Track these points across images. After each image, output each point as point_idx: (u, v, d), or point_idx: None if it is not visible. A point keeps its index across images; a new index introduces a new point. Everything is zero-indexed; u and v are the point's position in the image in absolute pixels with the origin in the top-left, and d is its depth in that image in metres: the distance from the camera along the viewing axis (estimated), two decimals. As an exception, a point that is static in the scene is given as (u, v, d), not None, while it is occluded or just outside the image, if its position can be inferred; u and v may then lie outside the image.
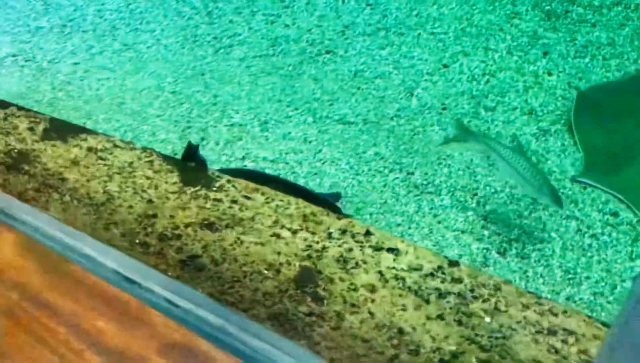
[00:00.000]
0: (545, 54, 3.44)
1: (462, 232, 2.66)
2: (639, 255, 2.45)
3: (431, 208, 2.76)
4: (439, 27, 3.75)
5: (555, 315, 1.62)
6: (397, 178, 2.90)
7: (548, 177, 2.60)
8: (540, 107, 3.15)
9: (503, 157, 2.49)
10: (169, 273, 1.62)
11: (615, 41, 3.45)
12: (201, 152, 3.04)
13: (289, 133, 3.11)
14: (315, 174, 2.91)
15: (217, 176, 1.74)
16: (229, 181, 1.70)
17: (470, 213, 2.72)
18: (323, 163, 2.97)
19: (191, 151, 1.72)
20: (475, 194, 2.80)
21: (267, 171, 2.90)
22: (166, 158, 1.77)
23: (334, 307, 1.59)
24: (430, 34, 3.71)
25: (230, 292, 1.61)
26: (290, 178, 2.88)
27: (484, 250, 2.57)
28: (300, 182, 2.86)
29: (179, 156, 2.88)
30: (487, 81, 3.33)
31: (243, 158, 2.95)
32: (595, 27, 3.56)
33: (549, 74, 3.32)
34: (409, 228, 2.70)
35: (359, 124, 3.19)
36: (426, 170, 2.92)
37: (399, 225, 2.72)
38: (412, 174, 2.91)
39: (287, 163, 2.94)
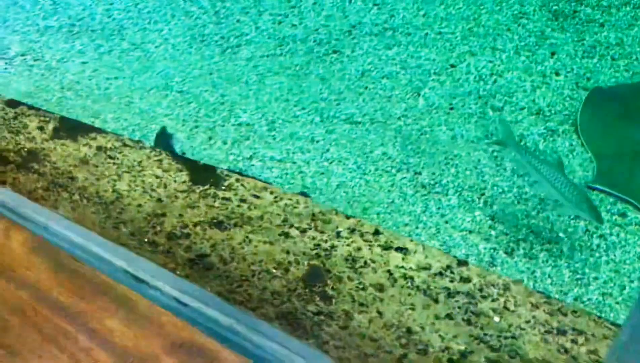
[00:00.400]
0: (552, 54, 3.43)
1: (470, 231, 2.65)
2: (648, 256, 2.43)
3: (438, 208, 2.75)
4: (446, 27, 3.74)
5: (565, 314, 1.61)
6: (404, 178, 2.89)
7: (587, 193, 2.56)
8: (547, 107, 3.13)
9: (541, 172, 2.46)
10: (178, 272, 1.62)
11: (623, 41, 3.43)
12: (209, 151, 3.06)
13: (296, 132, 3.11)
14: (323, 173, 2.91)
15: (226, 175, 1.74)
16: (237, 180, 1.69)
17: (477, 213, 2.71)
18: (330, 162, 2.96)
19: (163, 137, 1.72)
20: (483, 194, 2.79)
21: (274, 170, 2.90)
22: (175, 157, 1.77)
23: (343, 306, 1.59)
24: (437, 34, 3.70)
25: (239, 291, 1.61)
26: (298, 178, 2.87)
27: (492, 250, 2.56)
28: (307, 181, 2.86)
29: (187, 156, 2.89)
30: (495, 81, 3.32)
31: (250, 157, 2.94)
32: (604, 27, 3.53)
33: (557, 74, 3.31)
34: (416, 228, 2.69)
35: (366, 123, 3.19)
36: (433, 170, 2.91)
37: (406, 225, 2.71)
38: (420, 173, 2.90)
39: (294, 162, 2.94)
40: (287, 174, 2.87)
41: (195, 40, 3.75)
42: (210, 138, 3.06)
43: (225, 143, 3.03)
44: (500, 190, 2.79)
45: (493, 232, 2.62)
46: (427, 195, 2.81)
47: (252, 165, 2.89)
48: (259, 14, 3.94)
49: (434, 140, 3.06)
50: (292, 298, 1.60)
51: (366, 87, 3.39)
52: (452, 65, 3.47)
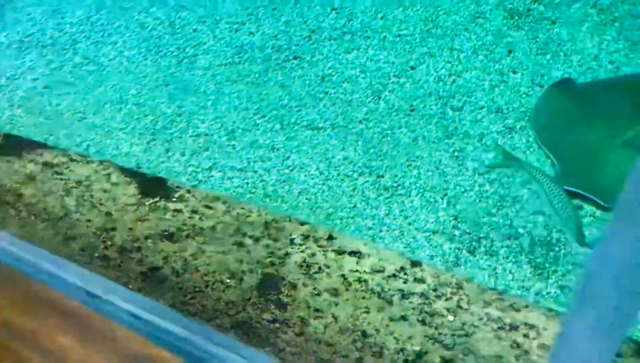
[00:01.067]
0: (509, 52, 3.51)
1: (434, 232, 2.69)
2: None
3: (402, 211, 2.79)
4: (405, 29, 3.80)
5: (518, 310, 1.66)
6: (367, 181, 2.92)
7: (578, 212, 2.63)
8: (506, 105, 3.21)
9: (541, 184, 2.55)
10: (131, 286, 1.64)
11: (575, 37, 3.53)
12: (166, 163, 3.06)
13: (257, 141, 3.13)
14: (284, 181, 2.93)
15: (177, 186, 1.76)
16: (188, 191, 1.72)
17: (441, 213, 2.76)
18: (292, 170, 2.99)
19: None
20: (445, 194, 2.84)
21: (235, 180, 2.91)
22: (124, 170, 1.79)
23: (298, 313, 1.62)
24: (396, 36, 3.75)
25: (193, 302, 1.63)
26: (259, 186, 2.89)
27: (456, 250, 2.61)
28: (269, 190, 2.88)
29: (143, 170, 2.89)
30: (454, 81, 3.39)
31: (210, 168, 2.96)
32: (556, 24, 3.64)
33: (514, 72, 3.39)
34: (380, 231, 2.72)
35: (328, 128, 3.22)
36: (396, 172, 2.95)
37: (369, 228, 2.74)
38: (382, 176, 2.94)
39: (255, 171, 2.96)
40: (247, 183, 2.89)
41: (151, 51, 3.76)
42: (167, 150, 3.07)
43: (183, 155, 3.04)
44: (462, 189, 2.85)
45: (457, 232, 2.67)
46: (390, 197, 2.85)
47: (212, 176, 2.91)
48: (215, 23, 3.96)
49: (396, 142, 3.11)
50: (247, 307, 1.62)
51: (327, 92, 3.43)
52: (412, 67, 3.53)
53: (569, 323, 1.08)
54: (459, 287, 1.67)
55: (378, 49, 3.67)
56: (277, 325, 1.61)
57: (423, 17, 3.86)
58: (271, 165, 2.99)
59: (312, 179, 2.93)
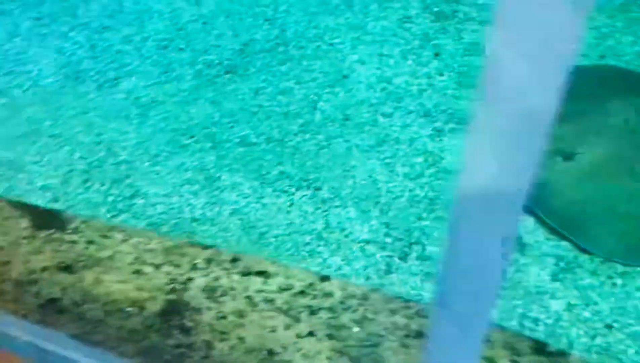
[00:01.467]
0: (436, 55, 3.62)
1: (367, 242, 2.75)
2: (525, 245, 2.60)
3: (339, 223, 2.85)
4: (337, 37, 3.88)
5: (425, 317, 1.73)
6: (304, 195, 2.97)
7: None
8: (434, 108, 3.30)
9: None
10: (30, 319, 1.67)
11: (499, 36, 3.66)
12: (85, 194, 3.07)
13: (184, 163, 3.16)
14: (214, 203, 2.96)
15: (71, 218, 1.80)
16: (83, 222, 1.75)
17: (374, 222, 2.83)
18: (222, 191, 3.02)
19: None
20: (378, 202, 2.90)
21: (159, 206, 2.94)
22: (14, 204, 1.82)
23: (203, 337, 1.66)
24: (329, 45, 3.84)
25: (96, 332, 1.67)
26: (186, 211, 2.92)
27: (387, 258, 2.67)
28: (197, 213, 2.91)
29: (60, 204, 2.89)
30: (384, 88, 3.48)
31: (131, 196, 2.98)
32: (481, 24, 3.76)
33: (441, 75, 3.49)
34: (318, 246, 2.77)
35: (262, 143, 3.26)
36: (333, 184, 3.02)
37: (307, 244, 2.79)
38: (319, 189, 3.00)
39: (181, 196, 2.98)
40: (173, 208, 2.92)
41: (69, 78, 3.76)
42: (86, 181, 3.08)
43: (103, 184, 3.05)
44: (393, 195, 2.92)
45: (389, 239, 2.74)
46: (327, 210, 2.91)
47: (134, 204, 2.93)
48: (142, 41, 3.99)
49: (332, 153, 3.17)
50: (151, 334, 1.66)
51: (261, 106, 3.48)
52: (345, 76, 3.61)
53: (434, 325, 1.14)
54: (365, 297, 1.73)
55: (312, 59, 3.75)
56: (182, 349, 1.65)
57: (353, 24, 3.95)
58: (200, 188, 3.02)
59: (245, 198, 2.97)
